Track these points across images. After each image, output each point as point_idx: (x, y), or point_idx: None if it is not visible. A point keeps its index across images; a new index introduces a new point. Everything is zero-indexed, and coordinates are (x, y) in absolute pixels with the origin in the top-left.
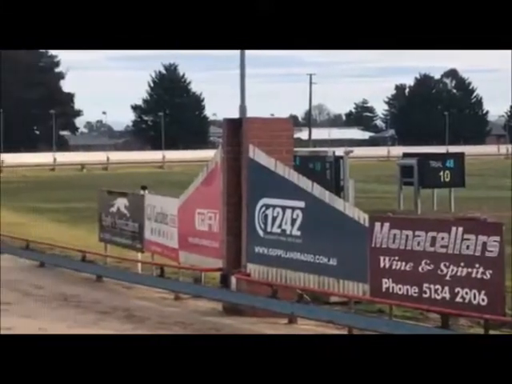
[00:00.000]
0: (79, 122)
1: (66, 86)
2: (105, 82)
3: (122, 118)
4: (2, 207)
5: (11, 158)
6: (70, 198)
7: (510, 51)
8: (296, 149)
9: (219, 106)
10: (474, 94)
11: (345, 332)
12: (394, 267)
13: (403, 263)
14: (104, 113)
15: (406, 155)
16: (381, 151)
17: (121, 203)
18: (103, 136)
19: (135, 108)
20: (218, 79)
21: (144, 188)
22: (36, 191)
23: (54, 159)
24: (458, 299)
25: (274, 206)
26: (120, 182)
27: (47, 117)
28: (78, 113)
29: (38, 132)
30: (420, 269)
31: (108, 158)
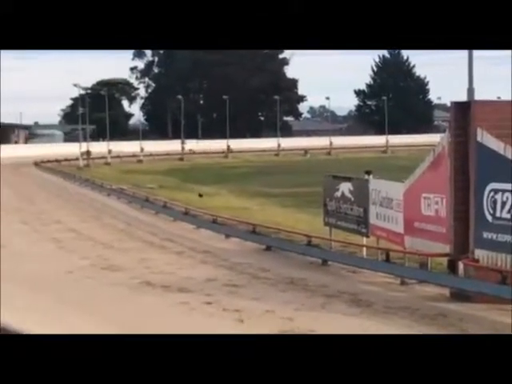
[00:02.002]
0: (302, 107)
1: (290, 71)
2: (328, 67)
3: (345, 102)
4: (229, 192)
5: (237, 144)
6: (294, 182)
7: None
8: None
9: (444, 89)
10: None
11: None
12: None
13: None
14: (327, 98)
15: None
16: None
17: (345, 188)
18: (326, 121)
19: (358, 93)
20: (443, 62)
21: (368, 173)
22: (260, 176)
23: (278, 144)
24: None
25: (504, 191)
26: (343, 167)
27: (271, 103)
28: (302, 98)
29: (262, 118)
30: None
31: (331, 143)
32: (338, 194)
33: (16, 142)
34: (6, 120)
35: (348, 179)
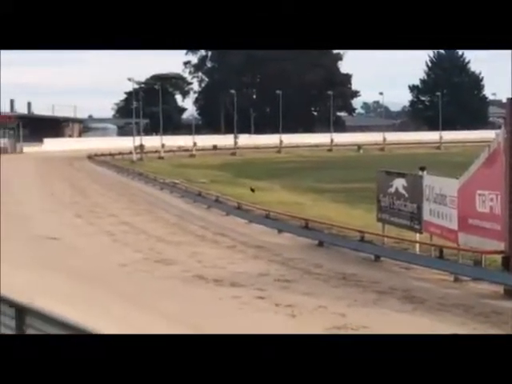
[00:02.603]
0: (356, 102)
1: (344, 67)
2: (382, 63)
3: (398, 98)
4: (281, 187)
5: (289, 139)
6: (347, 178)
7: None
8: None
9: (499, 85)
10: None
11: None
12: None
13: None
14: (381, 93)
15: None
16: None
17: (399, 184)
18: (380, 117)
19: (412, 88)
20: (499, 57)
21: (423, 169)
22: (313, 171)
23: (331, 140)
24: None
25: None
26: (396, 163)
27: (325, 98)
28: (355, 94)
29: (315, 113)
30: None
31: (384, 139)
32: (392, 189)
33: (70, 136)
34: (61, 113)
35: (402, 175)
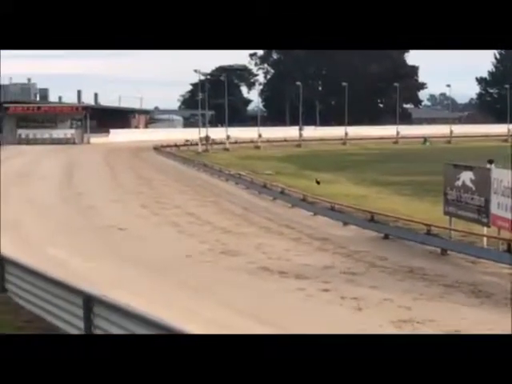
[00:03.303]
0: (422, 94)
1: (410, 59)
2: (450, 55)
3: (466, 90)
4: (346, 179)
5: (355, 131)
6: (413, 170)
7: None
8: None
9: None
10: None
11: None
12: None
13: None
14: (448, 85)
15: None
16: None
17: (466, 177)
18: (446, 109)
19: (480, 81)
20: None
21: (491, 162)
22: (379, 164)
23: (397, 132)
24: None
25: None
26: (463, 156)
27: (391, 90)
28: (422, 86)
29: (381, 105)
30: None
31: (451, 131)
32: (459, 183)
33: (136, 127)
34: (127, 105)
35: (469, 168)
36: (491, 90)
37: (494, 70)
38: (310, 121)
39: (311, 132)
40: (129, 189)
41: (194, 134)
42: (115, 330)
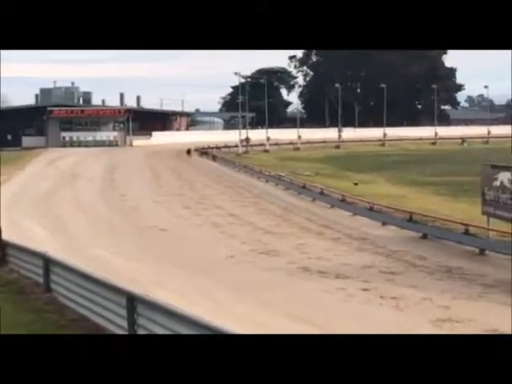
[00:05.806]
0: (460, 96)
1: (448, 60)
2: (487, 56)
3: (504, 91)
4: (385, 180)
5: (393, 132)
6: (451, 171)
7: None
8: None
9: None
10: None
11: None
12: None
13: None
14: (486, 87)
15: None
16: None
17: (504, 177)
18: (484, 110)
19: None
20: None
21: None
22: (417, 164)
23: (435, 133)
24: None
25: None
26: (501, 156)
27: (429, 91)
28: (460, 87)
29: (419, 106)
30: None
31: (489, 132)
32: (497, 183)
33: (178, 129)
34: (169, 107)
35: (507, 169)
36: None
37: None
38: (349, 122)
39: (350, 133)
40: (171, 190)
41: (234, 136)
42: (158, 330)
